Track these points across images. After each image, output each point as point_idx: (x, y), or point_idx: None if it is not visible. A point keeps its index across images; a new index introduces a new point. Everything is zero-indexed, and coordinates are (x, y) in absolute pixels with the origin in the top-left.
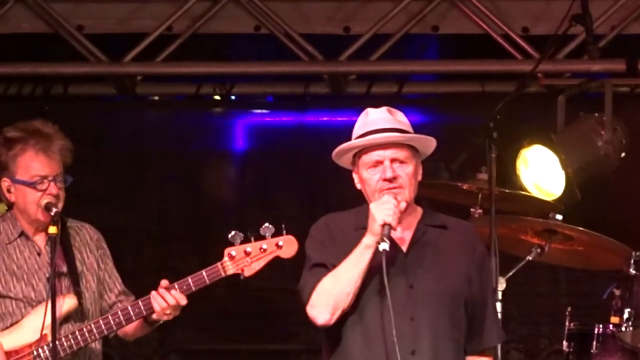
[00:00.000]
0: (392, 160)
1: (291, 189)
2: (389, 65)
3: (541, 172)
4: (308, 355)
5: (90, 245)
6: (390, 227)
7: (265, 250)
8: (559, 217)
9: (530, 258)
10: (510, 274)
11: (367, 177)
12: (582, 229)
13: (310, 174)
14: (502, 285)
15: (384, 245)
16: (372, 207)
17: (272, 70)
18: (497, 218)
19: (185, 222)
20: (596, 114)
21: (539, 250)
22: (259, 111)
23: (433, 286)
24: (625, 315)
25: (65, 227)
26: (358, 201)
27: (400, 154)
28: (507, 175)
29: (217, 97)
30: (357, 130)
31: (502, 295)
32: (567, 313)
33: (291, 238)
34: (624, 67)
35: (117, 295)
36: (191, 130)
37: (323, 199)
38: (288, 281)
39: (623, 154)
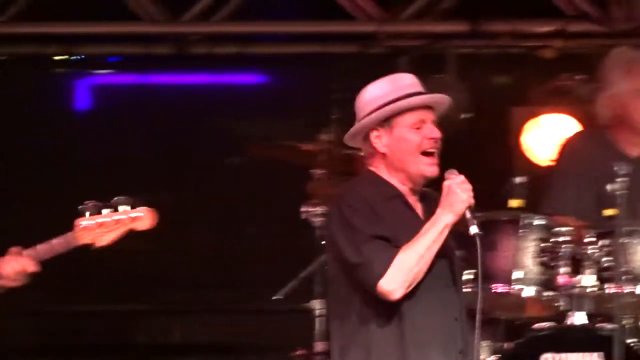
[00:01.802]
0: (432, 122)
1: (135, 149)
2: (232, 26)
3: None
4: (159, 316)
5: None
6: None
7: (119, 222)
8: None
9: None
10: None
11: (410, 137)
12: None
13: (154, 133)
14: None
15: (476, 229)
16: (454, 186)
17: (115, 30)
18: (340, 179)
19: (33, 184)
20: (439, 75)
21: None
22: (101, 71)
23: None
24: (465, 277)
25: None
26: (201, 159)
27: (434, 117)
28: None
29: (60, 58)
30: (390, 93)
31: None
32: None
33: (147, 210)
34: (467, 29)
35: None
36: (34, 90)
37: (166, 159)
38: (140, 242)
39: (466, 115)
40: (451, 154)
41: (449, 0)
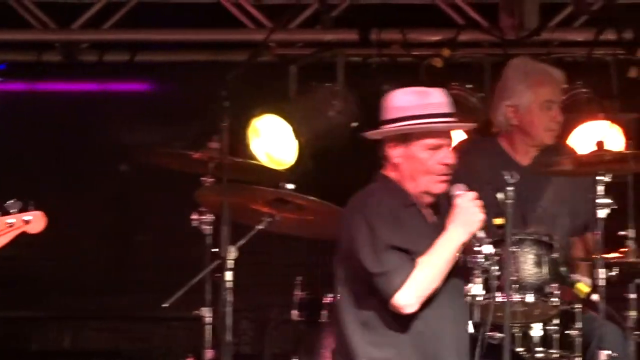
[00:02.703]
0: (449, 146)
1: (24, 156)
2: (122, 34)
3: (273, 141)
4: (58, 322)
5: None
6: None
7: (12, 225)
8: (291, 186)
9: (262, 227)
10: (242, 242)
11: (423, 157)
12: (313, 198)
13: (43, 140)
14: (233, 254)
15: (491, 248)
16: (467, 204)
17: (5, 38)
18: (229, 187)
19: None
20: (328, 84)
21: (270, 219)
22: None
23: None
24: None
25: None
26: (92, 166)
27: (452, 141)
28: (240, 144)
29: None
30: (415, 107)
31: (234, 264)
32: (298, 282)
33: (39, 213)
34: (356, 37)
35: None
36: None
37: (56, 166)
38: (31, 248)
39: (355, 124)
40: (341, 163)
41: (339, 9)
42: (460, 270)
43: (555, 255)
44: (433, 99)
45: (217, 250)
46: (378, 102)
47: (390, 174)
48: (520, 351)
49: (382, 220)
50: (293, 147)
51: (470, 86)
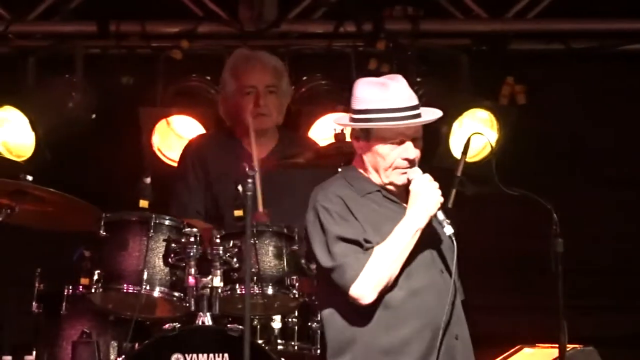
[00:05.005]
0: (413, 140)
1: None
2: None
3: (11, 132)
4: None
5: None
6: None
7: None
8: (30, 178)
9: (1, 219)
10: None
11: (384, 152)
12: (52, 190)
13: None
14: None
15: (451, 229)
16: (423, 187)
17: None
18: None
19: None
20: (67, 76)
21: (9, 211)
22: None
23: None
24: (95, 277)
25: None
26: None
27: (420, 134)
28: None
29: None
30: (375, 100)
31: None
32: (37, 274)
33: None
34: (95, 29)
35: None
36: None
37: None
38: None
39: (94, 116)
40: (82, 154)
41: (77, 1)
42: (441, 244)
43: (295, 247)
44: (392, 92)
45: None
46: (117, 93)
47: (357, 163)
48: (261, 343)
49: (332, 213)
50: (31, 139)
51: (209, 78)
